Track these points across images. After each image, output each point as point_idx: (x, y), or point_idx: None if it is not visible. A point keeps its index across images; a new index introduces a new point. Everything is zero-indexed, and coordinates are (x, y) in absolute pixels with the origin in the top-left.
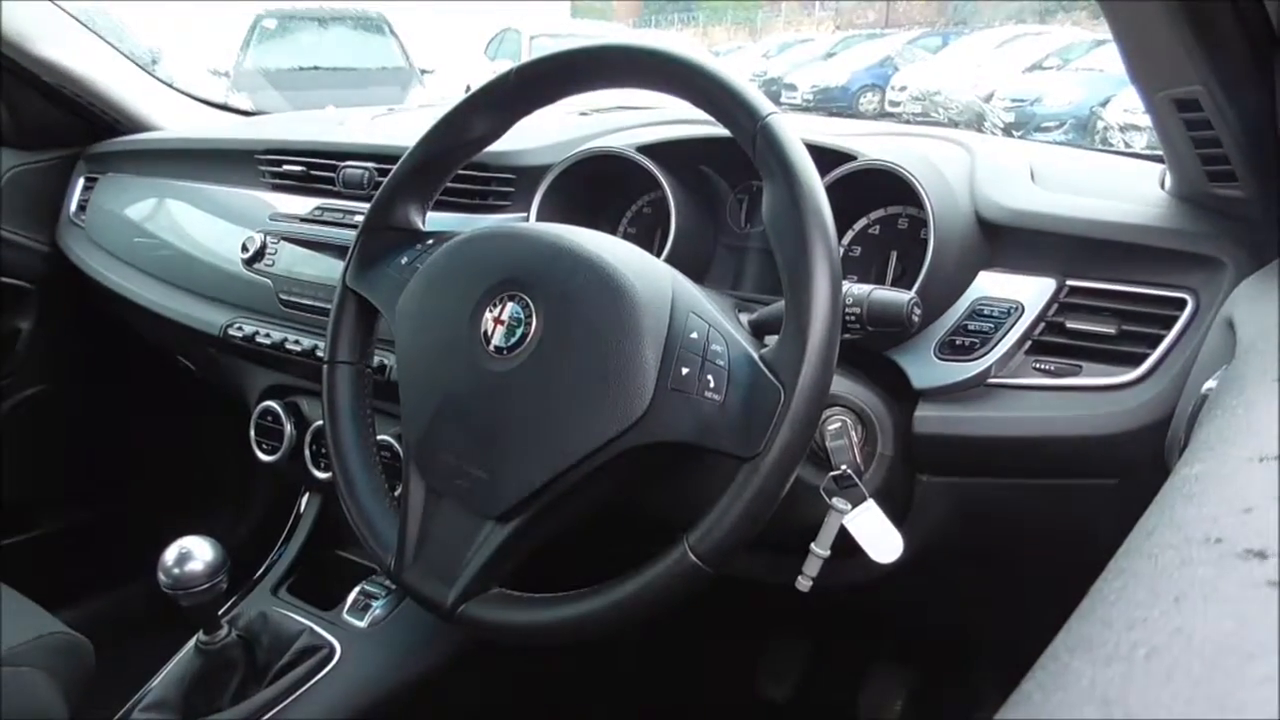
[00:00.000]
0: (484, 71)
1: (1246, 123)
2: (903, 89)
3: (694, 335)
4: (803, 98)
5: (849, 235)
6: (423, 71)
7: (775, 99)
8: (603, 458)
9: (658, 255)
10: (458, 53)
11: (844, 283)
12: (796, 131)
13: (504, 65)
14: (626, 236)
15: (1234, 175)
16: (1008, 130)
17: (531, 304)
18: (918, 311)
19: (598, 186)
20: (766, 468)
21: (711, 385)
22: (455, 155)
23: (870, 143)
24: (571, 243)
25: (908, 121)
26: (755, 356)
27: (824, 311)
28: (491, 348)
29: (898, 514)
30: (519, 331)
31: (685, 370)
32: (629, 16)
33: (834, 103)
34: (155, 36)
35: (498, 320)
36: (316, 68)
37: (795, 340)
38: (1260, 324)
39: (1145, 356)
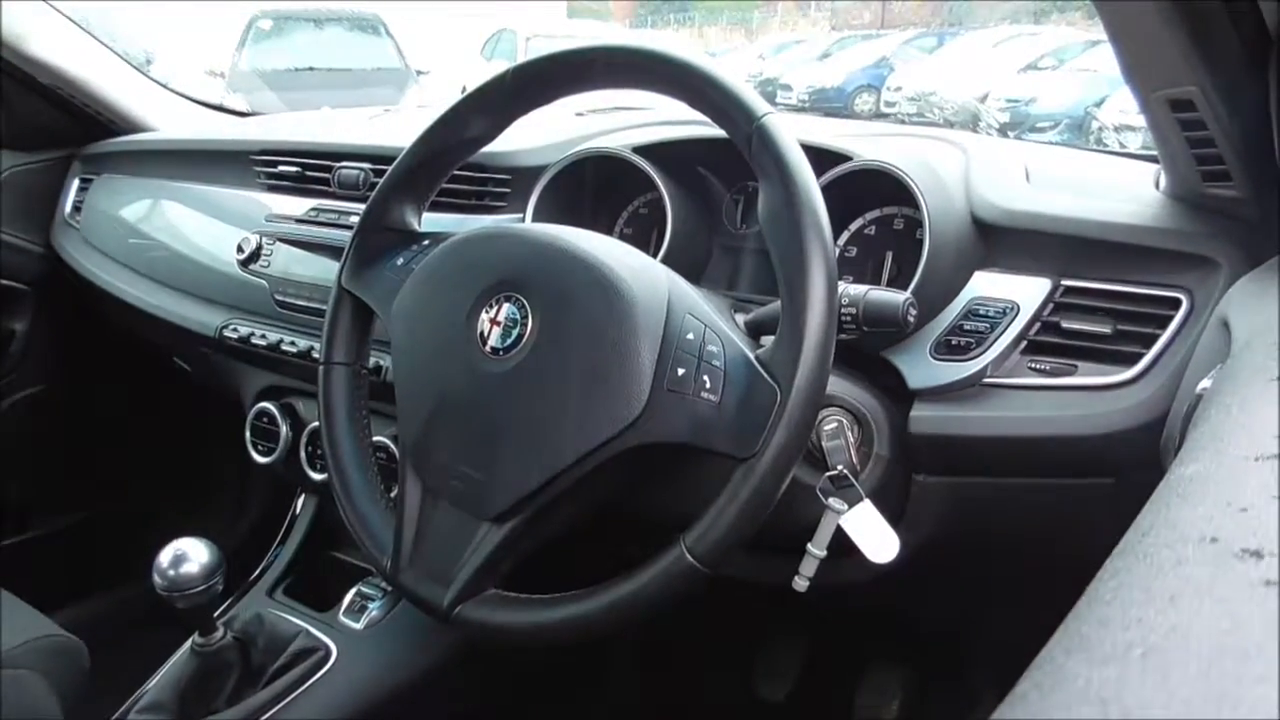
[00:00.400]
0: (480, 72)
1: (1241, 123)
2: (898, 90)
3: (690, 336)
4: (798, 98)
5: (845, 236)
6: (418, 72)
7: (771, 99)
8: (599, 459)
9: (654, 256)
10: (454, 53)
11: (840, 283)
12: (792, 132)
13: (500, 65)
14: (623, 237)
15: (1228, 175)
16: (1003, 130)
17: (527, 305)
18: (913, 311)
19: (594, 187)
20: (763, 468)
21: (708, 386)
22: (451, 156)
23: (866, 143)
24: (568, 243)
25: (903, 122)
26: (751, 357)
27: (820, 312)
28: (488, 349)
29: (894, 514)
30: (515, 332)
31: (681, 371)
32: (625, 17)
33: (829, 103)
34: (151, 37)
35: (494, 321)
36: (312, 68)
37: (791, 340)
38: (1255, 323)
39: (1140, 356)
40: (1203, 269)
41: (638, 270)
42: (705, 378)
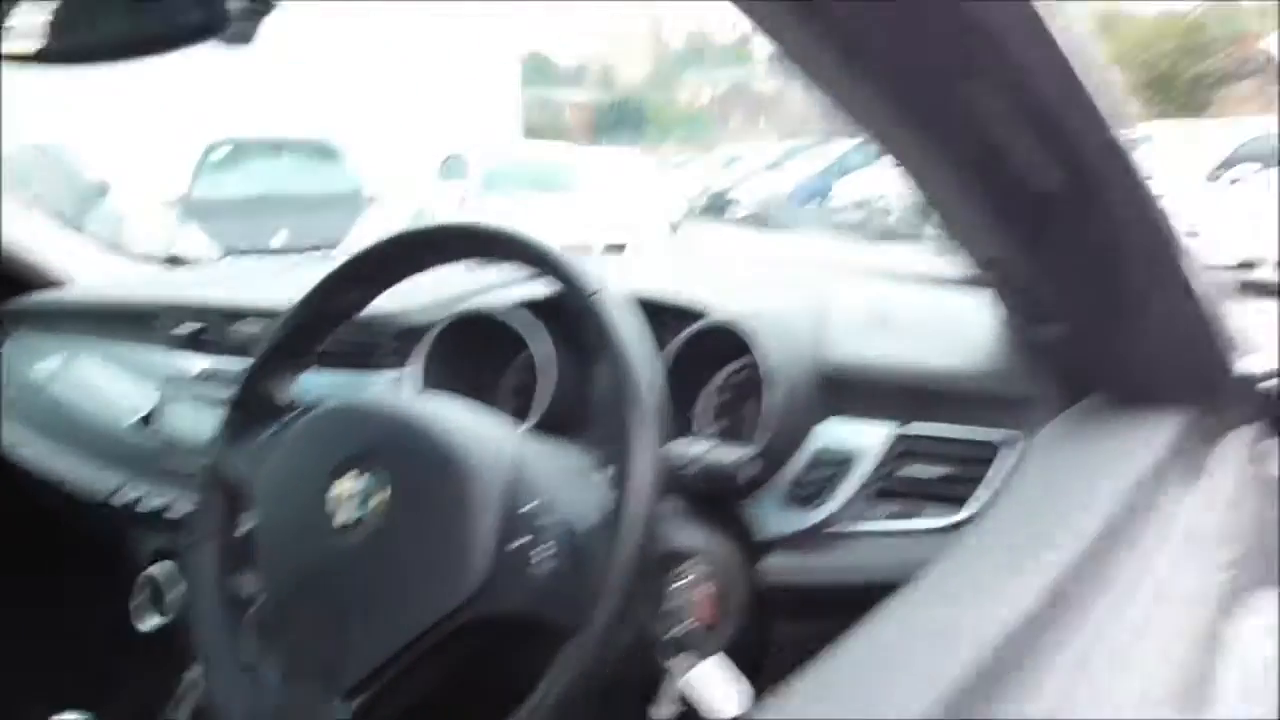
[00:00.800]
0: (435, 194)
1: (1052, 269)
2: (844, 197)
3: (530, 507)
4: (747, 211)
5: (718, 380)
6: (373, 198)
7: (721, 213)
8: (443, 631)
9: (534, 409)
10: (410, 175)
11: (688, 439)
12: (623, 307)
13: (455, 187)
14: (510, 391)
15: (1049, 318)
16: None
17: (377, 479)
18: (751, 469)
19: (479, 344)
20: (591, 639)
21: (544, 556)
22: (326, 325)
23: (728, 294)
24: (416, 416)
25: (848, 231)
26: (585, 528)
27: (642, 485)
28: (339, 524)
29: (754, 664)
30: (365, 506)
31: (521, 542)
32: (584, 132)
33: (778, 215)
34: (111, 163)
35: (345, 496)
36: (267, 196)
37: (616, 512)
38: (1030, 475)
39: (970, 499)
40: (1030, 409)
41: (484, 441)
42: (542, 549)
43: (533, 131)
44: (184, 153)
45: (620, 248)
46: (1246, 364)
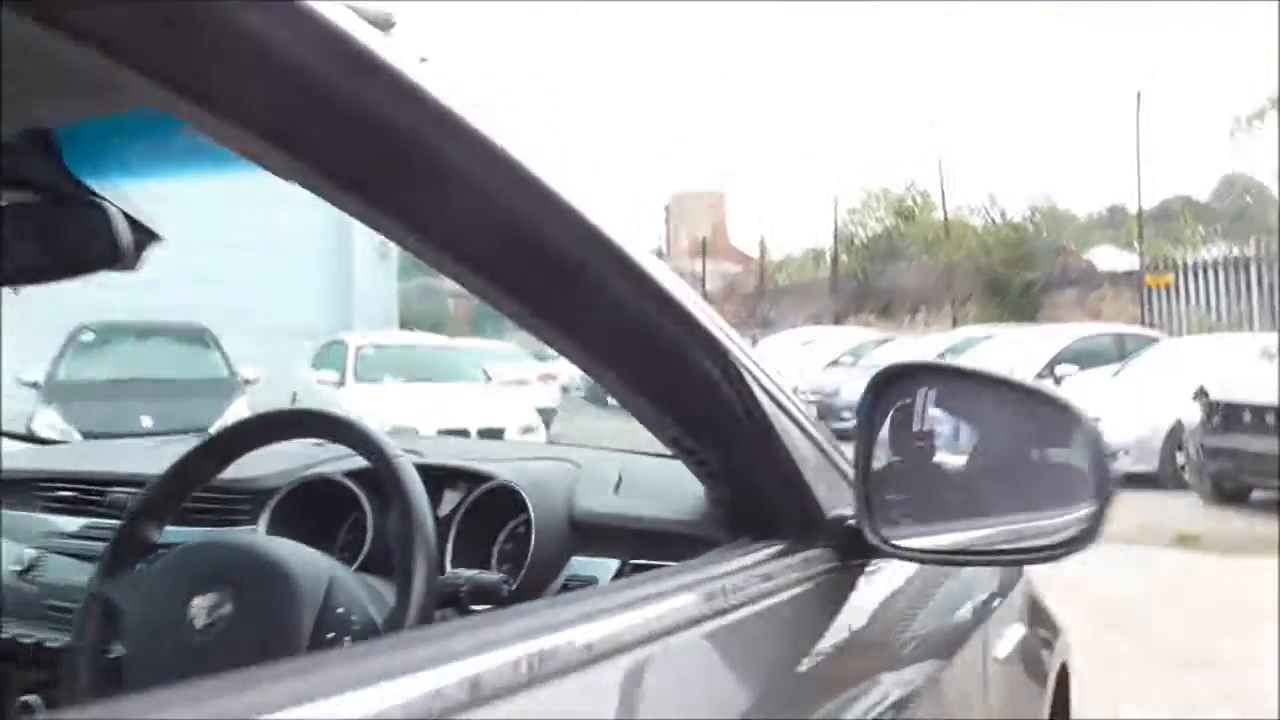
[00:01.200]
0: (310, 381)
1: (708, 445)
2: None
3: (340, 610)
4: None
5: (506, 530)
6: (246, 381)
7: (602, 402)
8: None
9: (363, 554)
10: (286, 362)
11: (460, 570)
12: (413, 474)
13: (328, 376)
14: (346, 542)
15: (718, 481)
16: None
17: (224, 593)
18: (506, 588)
19: (319, 503)
20: None
21: (347, 644)
22: (186, 489)
23: (509, 466)
24: (255, 547)
25: None
26: (381, 622)
27: (418, 593)
28: (197, 627)
29: None
30: (215, 614)
31: (331, 635)
32: (463, 323)
33: None
34: None
35: (199, 607)
36: (134, 380)
37: (401, 611)
38: None
39: None
40: (713, 547)
41: (307, 566)
42: (346, 639)
43: (412, 321)
44: (52, 335)
45: (498, 432)
46: (841, 507)
